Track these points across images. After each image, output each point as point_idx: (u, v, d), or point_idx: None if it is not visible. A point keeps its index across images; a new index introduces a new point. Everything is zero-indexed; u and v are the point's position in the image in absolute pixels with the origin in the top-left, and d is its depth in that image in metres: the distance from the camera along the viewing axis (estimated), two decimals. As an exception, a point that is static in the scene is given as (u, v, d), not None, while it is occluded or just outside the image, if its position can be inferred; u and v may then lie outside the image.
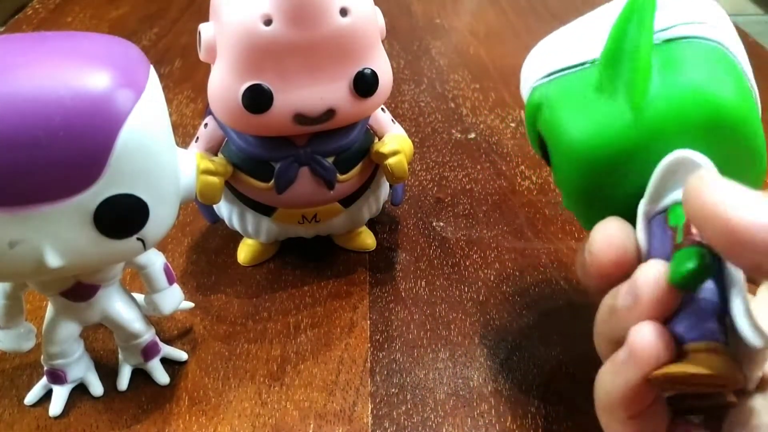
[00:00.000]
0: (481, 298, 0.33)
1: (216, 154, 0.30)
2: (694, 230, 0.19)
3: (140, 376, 0.28)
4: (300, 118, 0.27)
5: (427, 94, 0.52)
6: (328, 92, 0.27)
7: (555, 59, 0.24)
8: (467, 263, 0.35)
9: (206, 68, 0.28)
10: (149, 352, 0.27)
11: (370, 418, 0.27)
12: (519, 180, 0.41)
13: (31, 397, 0.27)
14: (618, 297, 0.20)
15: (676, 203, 0.20)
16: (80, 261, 0.21)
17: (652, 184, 0.21)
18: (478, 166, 0.43)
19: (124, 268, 0.26)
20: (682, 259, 0.18)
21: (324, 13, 0.25)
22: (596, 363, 0.22)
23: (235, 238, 0.35)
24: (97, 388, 0.27)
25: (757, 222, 0.16)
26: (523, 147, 0.45)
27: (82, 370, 0.27)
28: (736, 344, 0.18)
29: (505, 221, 0.38)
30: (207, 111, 0.30)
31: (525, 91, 0.25)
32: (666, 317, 0.19)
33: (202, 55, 0.27)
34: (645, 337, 0.19)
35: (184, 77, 0.53)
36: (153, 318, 0.29)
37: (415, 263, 0.35)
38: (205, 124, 0.30)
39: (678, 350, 0.19)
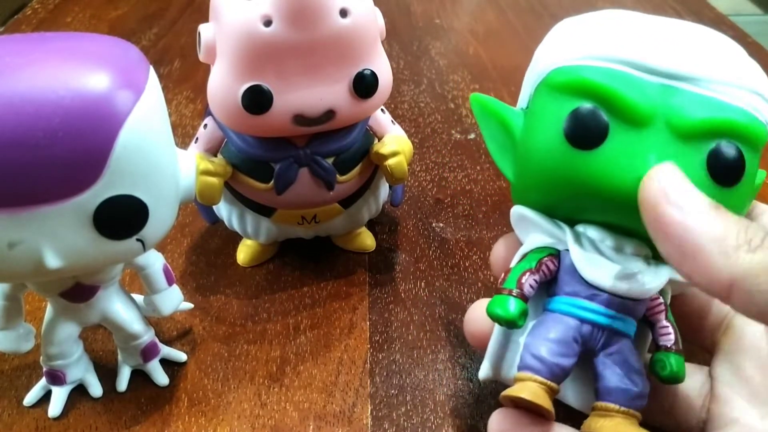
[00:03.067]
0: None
1: (215, 155, 0.30)
2: (526, 286, 0.22)
3: (139, 377, 0.28)
4: (299, 119, 0.27)
5: (426, 95, 0.52)
6: (327, 93, 0.27)
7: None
8: (467, 264, 0.35)
9: (206, 69, 0.28)
10: (148, 353, 0.27)
11: (369, 419, 0.27)
12: (519, 181, 0.41)
13: (30, 398, 0.27)
14: None
15: (533, 249, 0.23)
16: (79, 262, 0.21)
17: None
18: (478, 167, 0.43)
19: (124, 269, 0.26)
20: (496, 302, 0.22)
21: (324, 14, 0.25)
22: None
23: (235, 238, 0.35)
24: (96, 389, 0.27)
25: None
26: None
27: (81, 371, 0.27)
28: None
29: (505, 222, 0.38)
30: (206, 111, 0.30)
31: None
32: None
33: (202, 56, 0.27)
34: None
35: (184, 78, 0.53)
36: (152, 319, 0.29)
37: (414, 264, 0.35)
38: (205, 125, 0.30)
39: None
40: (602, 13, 0.24)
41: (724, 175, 0.21)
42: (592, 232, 0.23)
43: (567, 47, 0.23)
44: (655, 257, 0.23)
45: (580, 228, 0.23)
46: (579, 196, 0.22)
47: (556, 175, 0.22)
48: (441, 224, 0.38)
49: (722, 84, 0.21)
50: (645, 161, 0.21)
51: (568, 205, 0.23)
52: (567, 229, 0.23)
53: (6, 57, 0.19)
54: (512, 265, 0.23)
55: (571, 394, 0.23)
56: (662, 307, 0.23)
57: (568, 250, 0.23)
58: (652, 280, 0.22)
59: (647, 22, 0.23)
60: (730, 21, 0.66)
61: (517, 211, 0.24)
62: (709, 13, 0.67)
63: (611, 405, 0.21)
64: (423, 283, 0.34)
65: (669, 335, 0.23)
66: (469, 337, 0.25)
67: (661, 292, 0.23)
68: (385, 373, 0.29)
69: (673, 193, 0.18)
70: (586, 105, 0.21)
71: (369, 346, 0.30)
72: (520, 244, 0.24)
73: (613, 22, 0.23)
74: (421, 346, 0.30)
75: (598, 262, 0.22)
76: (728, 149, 0.21)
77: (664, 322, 0.23)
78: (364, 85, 0.27)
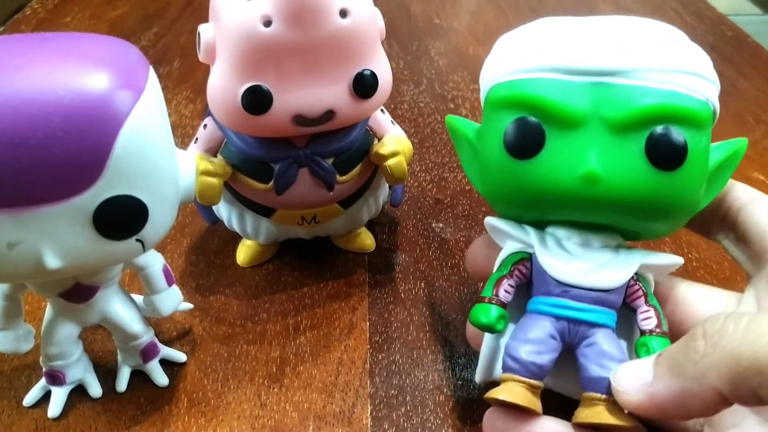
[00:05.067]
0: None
1: (215, 155, 0.30)
2: (501, 291, 0.23)
3: (139, 377, 0.28)
4: (299, 119, 0.27)
5: (426, 95, 0.52)
6: (327, 93, 0.27)
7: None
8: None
9: (205, 69, 0.28)
10: (148, 353, 0.27)
11: (369, 419, 0.27)
12: (518, 181, 0.41)
13: (30, 398, 0.27)
14: None
15: (507, 256, 0.24)
16: (79, 262, 0.21)
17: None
18: (478, 167, 0.43)
19: (124, 269, 0.26)
20: (476, 310, 0.23)
21: (324, 14, 0.25)
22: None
23: (234, 239, 0.35)
24: (95, 389, 0.27)
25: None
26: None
27: (80, 371, 0.27)
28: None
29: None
30: (206, 112, 0.30)
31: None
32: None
33: (202, 56, 0.27)
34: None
35: (183, 77, 0.53)
36: (152, 319, 0.29)
37: (414, 264, 0.35)
38: (204, 125, 0.30)
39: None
40: (535, 23, 0.24)
41: (664, 159, 0.21)
42: (558, 231, 0.24)
43: (502, 63, 0.24)
44: (627, 246, 0.24)
45: (549, 229, 0.24)
46: (533, 203, 0.23)
47: (506, 186, 0.23)
48: (441, 224, 0.38)
49: (651, 71, 0.21)
50: (585, 159, 0.21)
51: (529, 211, 0.24)
52: (531, 232, 0.24)
53: (6, 57, 0.19)
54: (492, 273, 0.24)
55: (562, 383, 0.24)
56: (641, 292, 0.23)
57: None
58: (620, 269, 0.23)
59: (577, 25, 0.23)
60: (730, 21, 0.65)
61: (489, 222, 0.25)
62: (709, 13, 0.67)
63: (595, 394, 0.22)
64: (423, 283, 0.34)
65: (650, 319, 0.23)
66: (471, 343, 0.26)
67: (641, 279, 0.24)
68: (384, 374, 0.29)
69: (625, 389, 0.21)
70: (520, 117, 0.22)
71: (369, 346, 0.30)
72: (492, 246, 0.25)
73: (544, 31, 0.24)
74: (421, 347, 0.30)
75: (564, 259, 0.23)
76: (664, 134, 0.21)
77: (645, 307, 0.23)
78: (364, 86, 0.27)
